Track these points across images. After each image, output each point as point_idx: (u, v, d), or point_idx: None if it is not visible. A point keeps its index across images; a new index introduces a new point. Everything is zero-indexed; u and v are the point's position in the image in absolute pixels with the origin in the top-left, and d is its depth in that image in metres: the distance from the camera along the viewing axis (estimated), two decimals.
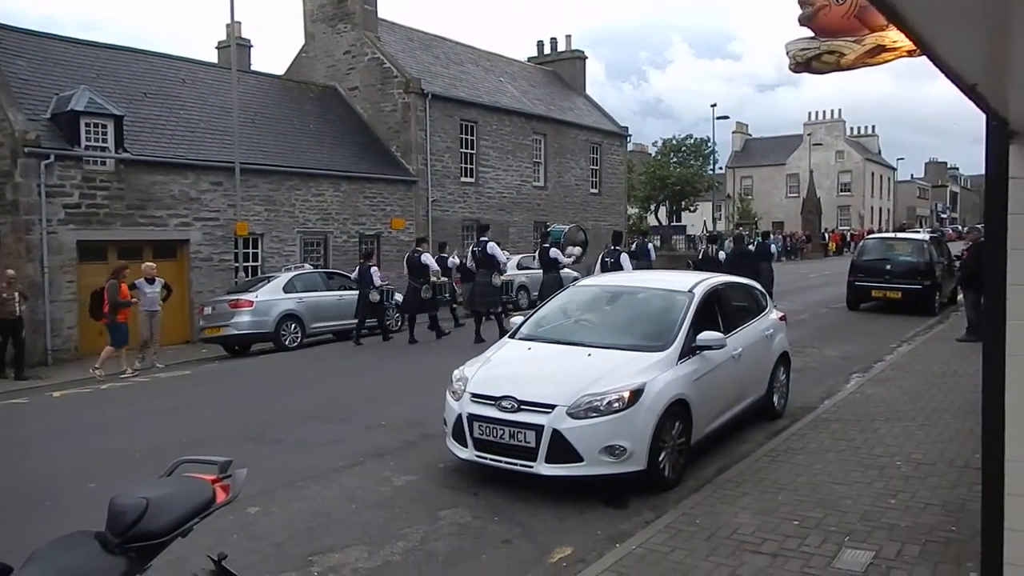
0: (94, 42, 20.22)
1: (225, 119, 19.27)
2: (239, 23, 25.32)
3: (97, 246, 16.67)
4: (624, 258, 15.34)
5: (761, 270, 17.67)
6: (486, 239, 15.28)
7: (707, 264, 16.55)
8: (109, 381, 12.73)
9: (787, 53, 3.97)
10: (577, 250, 17.27)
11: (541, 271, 16.40)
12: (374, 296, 15.76)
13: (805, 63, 3.89)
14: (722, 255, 18.03)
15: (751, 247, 19.69)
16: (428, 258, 15.81)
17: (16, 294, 13.66)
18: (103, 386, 12.31)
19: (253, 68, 25.98)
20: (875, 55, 3.66)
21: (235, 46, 20.38)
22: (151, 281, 14.18)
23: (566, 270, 16.62)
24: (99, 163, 16.68)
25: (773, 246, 20.10)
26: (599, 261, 15.83)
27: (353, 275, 16.87)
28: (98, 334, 14.90)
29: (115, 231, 16.85)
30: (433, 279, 15.68)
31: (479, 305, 14.97)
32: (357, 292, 16.04)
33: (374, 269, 16.13)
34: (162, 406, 10.36)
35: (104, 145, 16.62)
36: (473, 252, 15.88)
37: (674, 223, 54.26)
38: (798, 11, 3.88)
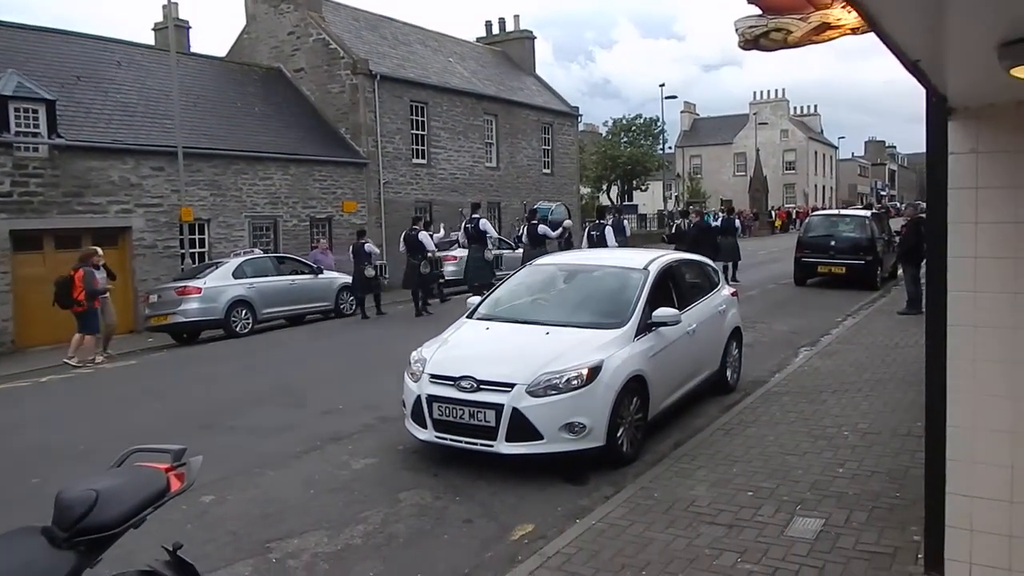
0: (21, 24, 19.20)
1: (165, 103, 18.73)
2: (176, 4, 24.60)
3: (32, 235, 16.08)
4: (608, 231, 15.85)
5: (725, 244, 19.18)
6: (478, 216, 16.56)
7: (679, 238, 18.00)
8: (58, 372, 12.36)
9: (736, 30, 4.01)
10: (569, 223, 18.15)
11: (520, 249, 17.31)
12: (369, 272, 16.53)
13: (753, 40, 3.93)
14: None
15: (716, 223, 20.22)
16: (425, 236, 16.57)
17: None
18: (43, 379, 11.94)
19: (193, 51, 25.27)
20: (820, 32, 3.72)
21: (172, 27, 19.74)
22: (97, 267, 13.79)
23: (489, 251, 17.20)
24: (31, 149, 16.03)
25: (737, 221, 21.33)
26: (585, 234, 16.68)
27: (346, 255, 17.45)
28: (36, 326, 14.46)
29: (51, 219, 16.26)
30: (429, 255, 16.45)
31: (472, 279, 15.72)
32: (353, 269, 16.68)
33: (369, 245, 16.78)
34: (108, 397, 10.12)
35: (36, 131, 15.98)
36: (466, 228, 16.84)
37: (626, 202, 54.69)
38: None
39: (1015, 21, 2.07)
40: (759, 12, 4.01)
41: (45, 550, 2.38)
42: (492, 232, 16.66)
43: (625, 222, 20.46)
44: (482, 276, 15.91)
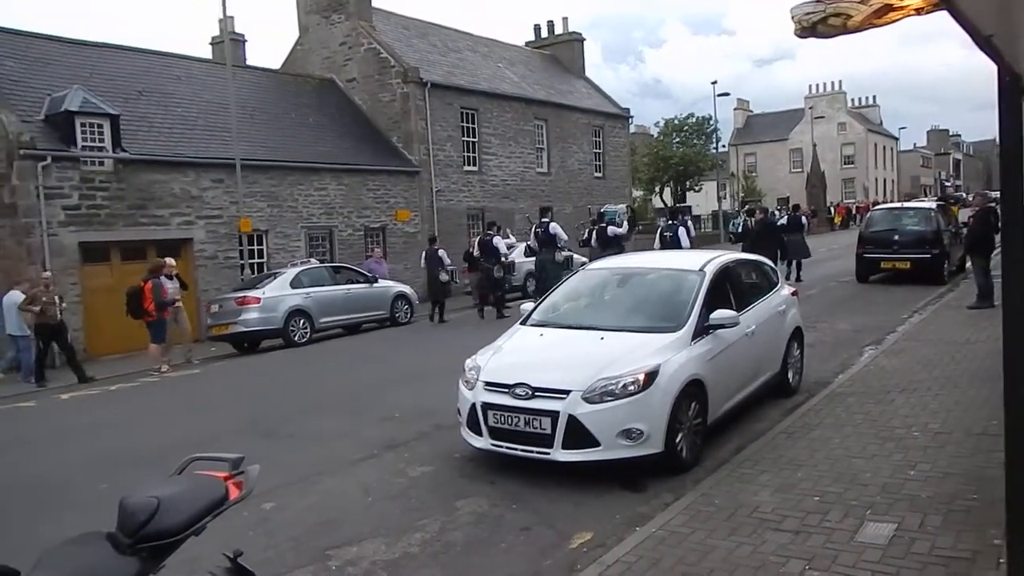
0: (85, 41, 20.06)
1: (223, 115, 19.19)
2: (231, 18, 25.25)
3: (99, 247, 16.67)
4: (682, 232, 16.23)
5: (793, 242, 19.20)
6: (547, 220, 16.91)
7: (745, 236, 18.30)
8: (127, 380, 12.73)
9: (792, 18, 3.88)
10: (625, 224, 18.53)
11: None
12: (444, 276, 17.43)
13: (811, 27, 3.79)
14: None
15: (783, 221, 20.11)
16: (499, 241, 17.63)
17: (56, 298, 13.49)
18: (112, 387, 12.30)
19: (248, 63, 25.90)
20: (882, 15, 3.57)
21: (228, 41, 20.27)
22: (170, 277, 14.23)
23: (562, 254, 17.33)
24: (97, 163, 16.64)
25: (803, 219, 21.52)
26: (658, 235, 17.05)
27: (421, 262, 18.48)
28: (106, 335, 14.95)
29: (117, 231, 16.84)
30: (503, 259, 17.42)
31: (546, 281, 15.74)
32: (426, 275, 17.92)
33: (442, 252, 17.82)
34: (172, 405, 10.38)
35: (101, 145, 16.58)
36: (536, 232, 17.19)
37: (680, 204, 54.07)
38: None
39: None
40: None
41: (110, 555, 2.43)
42: (562, 235, 16.90)
43: (689, 222, 20.34)
44: (554, 278, 15.87)
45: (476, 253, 17.87)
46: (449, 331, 15.43)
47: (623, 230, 17.00)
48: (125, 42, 22.89)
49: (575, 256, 19.36)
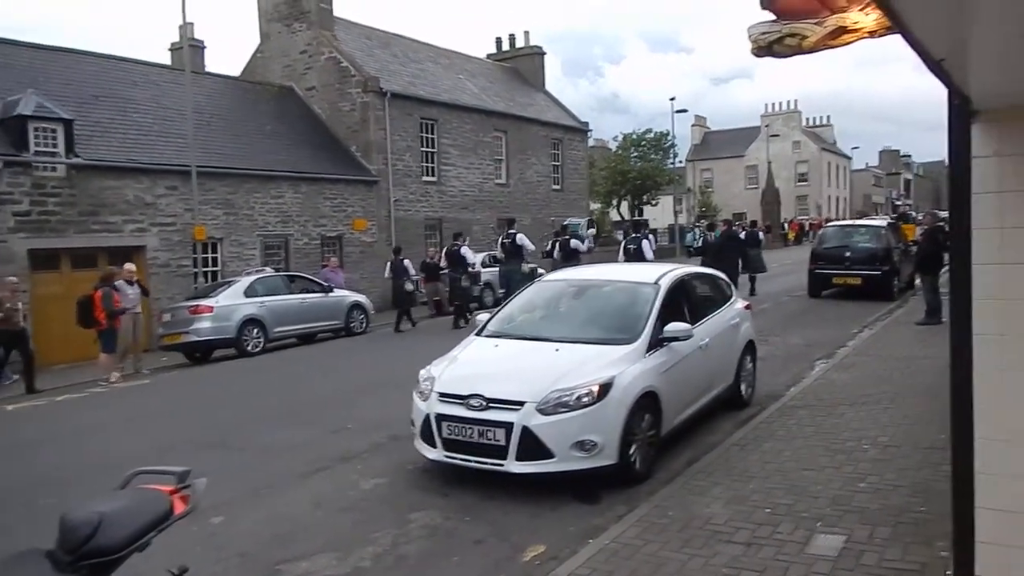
0: (39, 44, 19.56)
1: (179, 121, 18.85)
2: (191, 24, 24.79)
3: (50, 254, 16.20)
4: (645, 244, 16.49)
5: (752, 256, 19.63)
6: (514, 231, 17.68)
7: (707, 250, 18.58)
8: (74, 391, 12.35)
9: (749, 37, 3.93)
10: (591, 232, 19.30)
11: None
12: (409, 286, 17.76)
13: (767, 47, 3.84)
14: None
15: (741, 236, 20.44)
16: (467, 251, 17.93)
17: (20, 304, 13.03)
18: (59, 398, 11.93)
19: (208, 69, 25.50)
20: (836, 37, 3.63)
21: (188, 47, 19.95)
22: (131, 283, 13.85)
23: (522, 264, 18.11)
24: (49, 169, 16.20)
25: (760, 234, 22.00)
26: (622, 248, 17.28)
27: (386, 273, 18.53)
28: (56, 344, 14.49)
29: (68, 239, 16.38)
30: (471, 269, 17.77)
31: (512, 292, 16.21)
32: (392, 284, 18.09)
33: (407, 262, 18.08)
34: (119, 417, 10.08)
35: (54, 150, 16.15)
36: (503, 243, 17.93)
37: (637, 217, 54.60)
38: None
39: None
40: (773, 18, 3.93)
41: (49, 574, 2.33)
42: (529, 246, 17.52)
43: (650, 236, 20.79)
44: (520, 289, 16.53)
45: (443, 264, 18.15)
46: (406, 341, 15.30)
47: (584, 247, 17.60)
48: (82, 46, 22.26)
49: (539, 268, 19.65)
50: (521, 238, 17.31)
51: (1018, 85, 2.86)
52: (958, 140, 3.47)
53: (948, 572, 4.00)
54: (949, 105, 3.44)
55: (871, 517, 4.92)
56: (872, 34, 3.50)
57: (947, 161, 3.65)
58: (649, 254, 16.28)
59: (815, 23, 3.64)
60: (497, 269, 19.23)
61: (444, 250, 18.45)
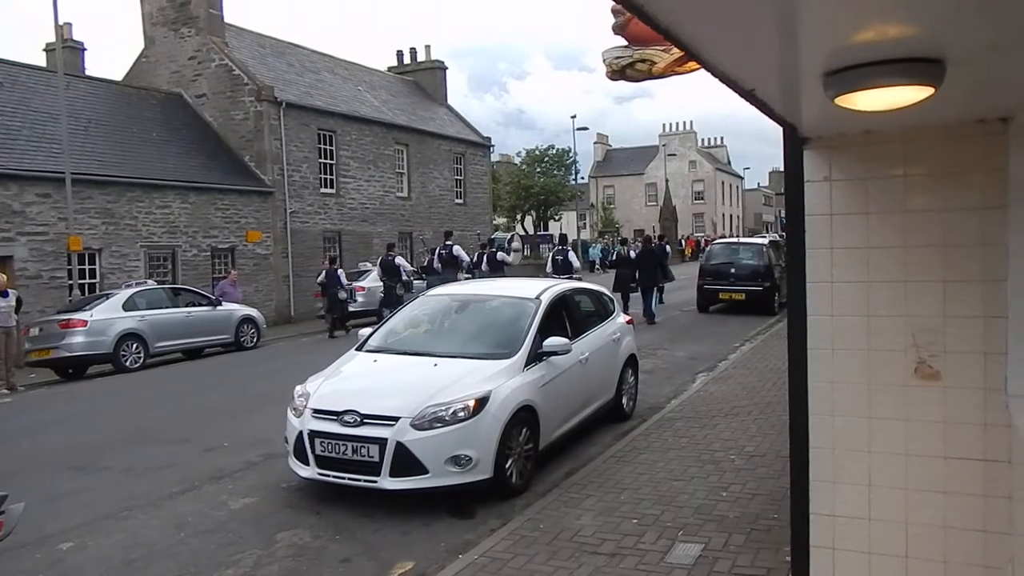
0: None
1: (53, 126, 17.87)
2: (69, 24, 23.69)
3: None
4: (571, 255, 17.93)
5: (667, 267, 20.07)
6: (451, 243, 18.73)
7: (622, 263, 19.23)
8: None
9: (604, 61, 4.06)
10: (518, 245, 20.46)
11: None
12: (342, 294, 18.40)
13: (620, 71, 3.98)
14: (632, 255, 19.65)
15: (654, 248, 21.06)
16: (402, 260, 19.15)
17: None
18: None
19: (88, 73, 24.32)
20: (682, 64, 3.79)
21: (61, 48, 18.92)
22: (3, 294, 12.98)
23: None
24: None
25: (667, 247, 22.75)
26: (550, 259, 18.58)
27: (319, 278, 18.95)
28: None
29: None
30: (405, 278, 18.69)
31: None
32: (323, 292, 18.75)
33: (340, 271, 18.91)
34: None
35: None
36: (440, 254, 18.85)
37: (540, 232, 55.28)
38: (612, 20, 3.97)
39: (833, 52, 2.12)
40: (625, 43, 4.07)
41: None
42: (465, 257, 18.70)
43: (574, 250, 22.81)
44: None
45: (379, 273, 19.31)
46: (298, 355, 14.93)
47: (511, 259, 19.07)
48: None
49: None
50: (457, 249, 18.43)
51: (839, 115, 3.05)
52: (792, 165, 3.67)
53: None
54: (783, 132, 3.64)
55: (729, 525, 5.11)
56: None
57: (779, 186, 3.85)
58: (576, 263, 17.87)
59: (662, 50, 3.80)
60: (425, 281, 19.21)
61: (380, 260, 19.55)
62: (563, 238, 21.32)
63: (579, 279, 17.73)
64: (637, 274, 17.84)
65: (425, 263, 20.20)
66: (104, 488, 6.67)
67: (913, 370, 3.38)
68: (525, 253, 21.59)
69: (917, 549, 3.40)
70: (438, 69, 35.50)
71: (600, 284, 10.57)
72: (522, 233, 52.60)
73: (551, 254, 19.19)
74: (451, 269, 18.12)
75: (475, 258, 19.41)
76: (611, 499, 5.74)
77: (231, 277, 19.56)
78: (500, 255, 18.99)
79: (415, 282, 19.19)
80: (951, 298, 3.29)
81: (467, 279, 17.63)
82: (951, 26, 1.89)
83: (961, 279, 3.27)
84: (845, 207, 3.57)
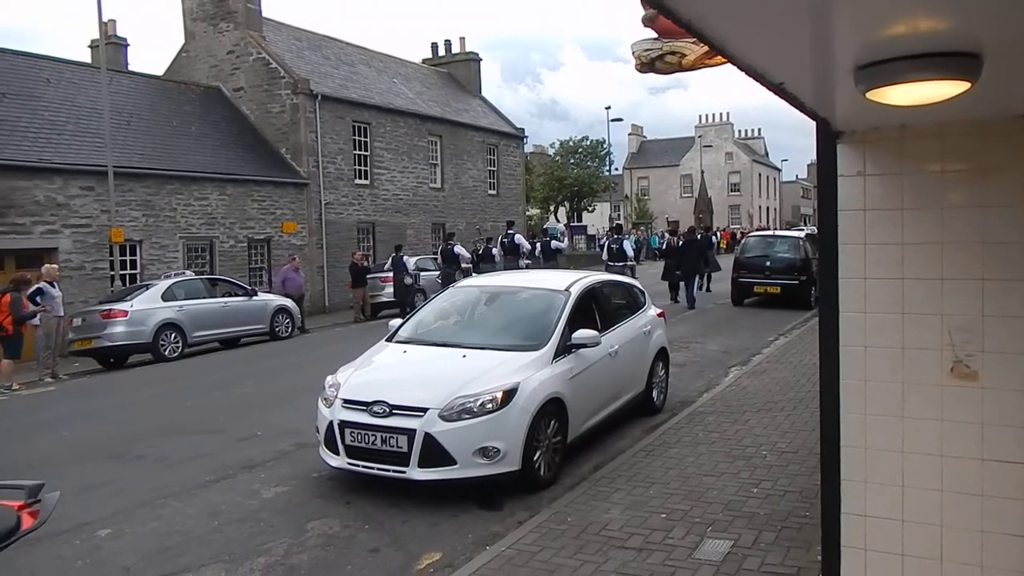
0: None
1: (96, 121, 18.20)
2: (113, 21, 24.11)
3: None
4: (627, 243, 18.88)
5: (709, 257, 21.18)
6: (513, 232, 20.53)
7: (671, 253, 20.14)
8: None
9: (632, 54, 4.02)
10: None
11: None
12: (408, 280, 19.37)
13: (649, 63, 3.93)
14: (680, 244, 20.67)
15: (699, 238, 21.64)
16: (461, 248, 20.48)
17: None
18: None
19: (131, 68, 24.74)
20: (712, 56, 3.74)
21: (104, 44, 19.22)
22: (52, 284, 13.33)
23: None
24: None
25: (713, 239, 24.84)
26: (605, 248, 19.36)
27: (386, 265, 20.57)
28: None
29: None
30: (465, 265, 19.89)
31: None
32: (393, 279, 19.80)
33: (406, 257, 20.19)
34: (17, 425, 9.68)
35: None
36: (502, 242, 20.49)
37: (574, 223, 55.12)
38: (641, 12, 3.92)
39: (865, 46, 2.07)
40: (655, 36, 4.03)
41: None
42: (526, 245, 20.27)
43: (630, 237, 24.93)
44: None
45: (438, 262, 20.73)
46: (331, 345, 15.08)
47: (564, 244, 20.96)
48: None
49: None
50: (519, 238, 20.13)
51: (873, 108, 2.98)
52: (825, 159, 3.60)
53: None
54: (816, 126, 3.57)
55: (759, 522, 5.06)
56: None
57: (816, 179, 3.79)
58: (630, 252, 18.74)
59: (693, 42, 3.75)
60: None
61: (440, 249, 21.16)
62: (619, 227, 23.03)
63: (633, 266, 18.63)
64: (680, 261, 19.00)
65: (481, 251, 21.10)
66: (139, 477, 6.81)
67: (949, 369, 3.30)
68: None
69: (952, 552, 3.33)
70: (472, 61, 35.50)
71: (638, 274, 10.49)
72: (556, 224, 52.50)
73: (607, 243, 20.02)
74: (512, 257, 20.09)
75: (481, 249, 20.98)
76: (640, 493, 5.71)
77: (294, 263, 19.49)
78: (554, 244, 21.08)
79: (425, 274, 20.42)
80: (990, 297, 3.20)
81: (527, 266, 19.66)
82: (989, 18, 1.83)
83: (1001, 278, 3.18)
84: (879, 202, 3.50)
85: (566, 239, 24.11)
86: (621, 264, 18.12)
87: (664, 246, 24.30)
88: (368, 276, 20.38)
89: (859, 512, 3.57)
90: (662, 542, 4.83)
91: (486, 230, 28.53)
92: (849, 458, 3.59)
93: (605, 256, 18.95)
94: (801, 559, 4.45)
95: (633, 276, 20.15)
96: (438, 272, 20.33)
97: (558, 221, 52.57)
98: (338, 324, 19.83)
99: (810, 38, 2.03)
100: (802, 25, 1.91)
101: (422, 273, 20.69)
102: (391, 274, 20.35)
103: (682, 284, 19.09)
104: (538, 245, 21.28)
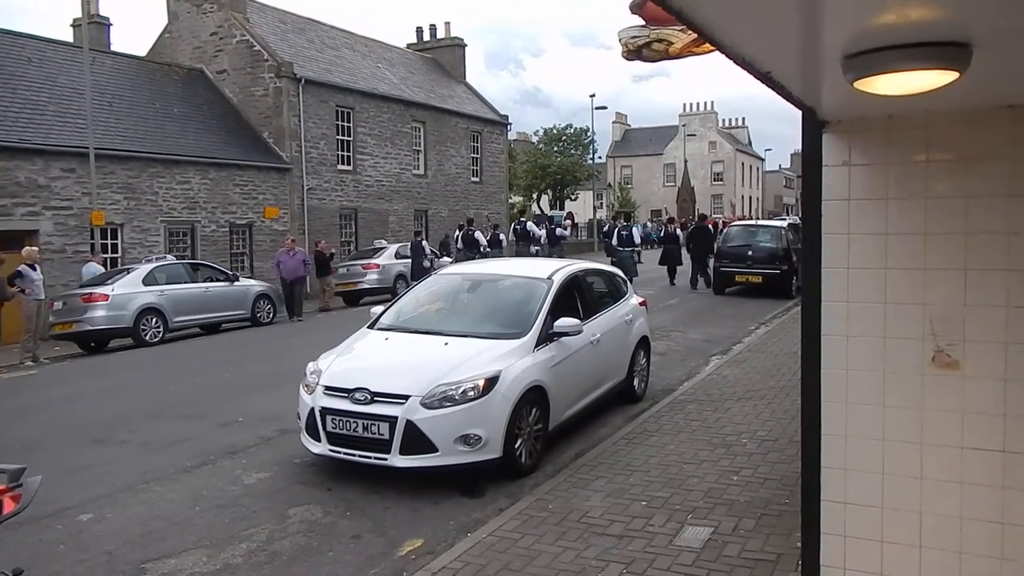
0: None
1: (78, 101, 17.97)
2: None
3: None
4: (635, 230, 20.83)
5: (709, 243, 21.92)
6: (524, 219, 23.06)
7: (670, 240, 21.54)
8: None
9: (619, 41, 4.00)
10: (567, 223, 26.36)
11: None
12: (426, 263, 19.72)
13: (636, 51, 3.92)
14: (679, 232, 22.47)
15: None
16: (479, 234, 22.26)
17: None
18: None
19: (113, 48, 24.39)
20: (699, 44, 3.73)
21: (87, 24, 19.01)
22: (33, 267, 13.17)
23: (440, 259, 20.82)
24: None
25: (709, 227, 24.93)
26: (616, 234, 20.63)
27: (407, 251, 20.97)
28: None
29: None
30: (484, 250, 21.64)
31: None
32: (410, 261, 20.52)
33: (424, 242, 21.06)
34: None
35: None
36: (514, 228, 23.20)
37: (557, 211, 55.05)
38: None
39: (854, 35, 2.06)
40: (642, 23, 4.01)
41: None
42: (538, 232, 22.44)
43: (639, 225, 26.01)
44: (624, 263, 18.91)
45: (459, 246, 22.53)
46: (313, 332, 15.02)
47: (568, 232, 23.12)
48: None
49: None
50: (531, 225, 22.72)
51: (860, 98, 2.99)
52: (810, 148, 3.60)
53: (800, 562, 4.17)
54: (802, 115, 3.57)
55: (739, 509, 5.10)
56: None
57: (800, 168, 3.79)
58: (637, 238, 20.54)
59: (680, 30, 3.73)
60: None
61: (461, 234, 22.94)
62: (628, 215, 25.72)
63: (639, 251, 19.96)
64: (691, 246, 20.19)
65: (488, 237, 22.77)
66: (122, 461, 6.76)
67: (930, 359, 3.32)
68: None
69: (932, 539, 3.37)
70: (457, 46, 35.30)
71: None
72: (537, 212, 52.43)
73: (616, 229, 21.24)
74: (524, 243, 22.46)
75: (489, 236, 22.70)
76: (620, 481, 5.74)
77: (287, 245, 18.72)
78: (559, 231, 23.70)
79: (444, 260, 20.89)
80: (972, 286, 3.22)
81: (537, 252, 21.16)
82: (979, 8, 1.83)
83: (983, 267, 3.20)
84: (864, 192, 3.50)
85: (570, 226, 26.49)
86: (630, 249, 20.13)
87: (663, 233, 25.53)
88: (345, 265, 20.86)
89: (839, 499, 3.60)
90: (643, 529, 4.85)
91: (494, 215, 30.62)
92: (830, 446, 3.61)
93: (615, 242, 20.20)
94: (781, 546, 4.49)
95: (639, 260, 21.50)
96: (452, 258, 21.15)
97: (540, 209, 52.49)
98: (321, 310, 19.75)
99: (800, 26, 2.03)
100: (792, 13, 1.90)
101: (439, 259, 21.06)
102: (375, 261, 20.50)
103: (692, 266, 20.19)
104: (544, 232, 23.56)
